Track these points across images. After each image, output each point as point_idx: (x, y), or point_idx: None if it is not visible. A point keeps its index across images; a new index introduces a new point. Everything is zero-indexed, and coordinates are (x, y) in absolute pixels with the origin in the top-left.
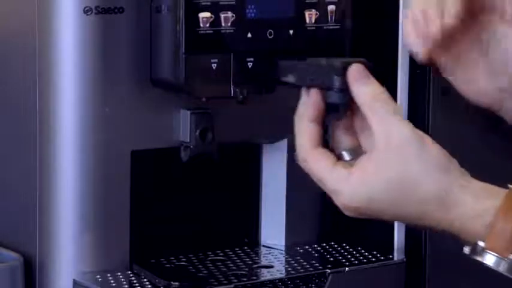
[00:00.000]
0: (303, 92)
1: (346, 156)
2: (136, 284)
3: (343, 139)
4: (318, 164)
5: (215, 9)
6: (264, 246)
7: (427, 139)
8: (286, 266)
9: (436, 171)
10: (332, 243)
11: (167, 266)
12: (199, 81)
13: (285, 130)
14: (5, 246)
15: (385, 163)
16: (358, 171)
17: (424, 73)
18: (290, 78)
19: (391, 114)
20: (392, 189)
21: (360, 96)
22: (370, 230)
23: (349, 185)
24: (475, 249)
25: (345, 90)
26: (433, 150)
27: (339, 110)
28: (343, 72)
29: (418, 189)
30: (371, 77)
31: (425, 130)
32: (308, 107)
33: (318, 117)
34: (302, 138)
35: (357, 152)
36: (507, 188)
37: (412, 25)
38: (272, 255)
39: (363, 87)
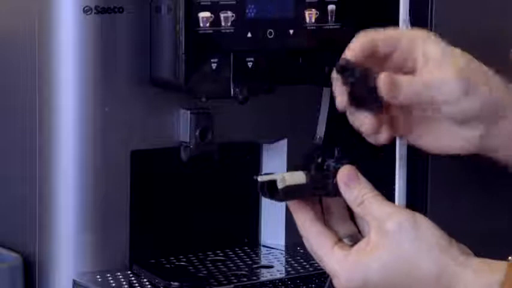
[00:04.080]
0: None
1: (347, 241)
2: (136, 284)
3: (341, 226)
4: (318, 243)
5: (215, 9)
6: (264, 246)
7: (422, 220)
8: (286, 266)
9: (433, 251)
10: None
11: (167, 266)
12: (199, 81)
13: (285, 130)
14: (5, 246)
15: (380, 246)
16: (354, 254)
17: None
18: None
19: (382, 205)
20: (388, 271)
21: (349, 201)
22: None
23: (346, 267)
24: None
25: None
26: (429, 230)
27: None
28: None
29: (416, 269)
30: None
31: None
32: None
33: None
34: (301, 215)
35: (356, 238)
36: (506, 260)
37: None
38: (272, 255)
39: (349, 193)
